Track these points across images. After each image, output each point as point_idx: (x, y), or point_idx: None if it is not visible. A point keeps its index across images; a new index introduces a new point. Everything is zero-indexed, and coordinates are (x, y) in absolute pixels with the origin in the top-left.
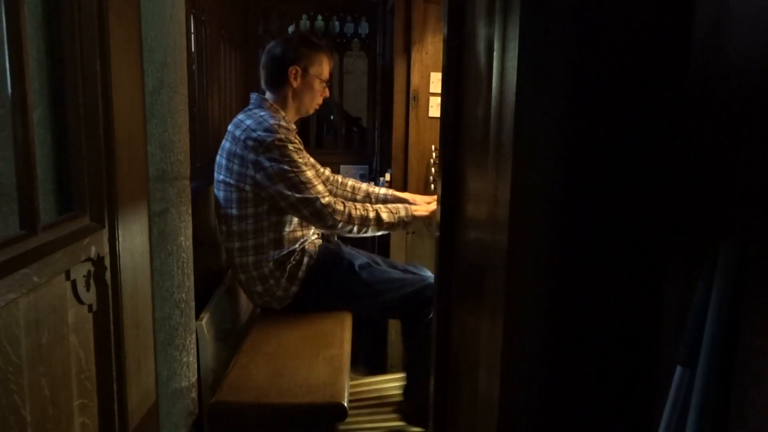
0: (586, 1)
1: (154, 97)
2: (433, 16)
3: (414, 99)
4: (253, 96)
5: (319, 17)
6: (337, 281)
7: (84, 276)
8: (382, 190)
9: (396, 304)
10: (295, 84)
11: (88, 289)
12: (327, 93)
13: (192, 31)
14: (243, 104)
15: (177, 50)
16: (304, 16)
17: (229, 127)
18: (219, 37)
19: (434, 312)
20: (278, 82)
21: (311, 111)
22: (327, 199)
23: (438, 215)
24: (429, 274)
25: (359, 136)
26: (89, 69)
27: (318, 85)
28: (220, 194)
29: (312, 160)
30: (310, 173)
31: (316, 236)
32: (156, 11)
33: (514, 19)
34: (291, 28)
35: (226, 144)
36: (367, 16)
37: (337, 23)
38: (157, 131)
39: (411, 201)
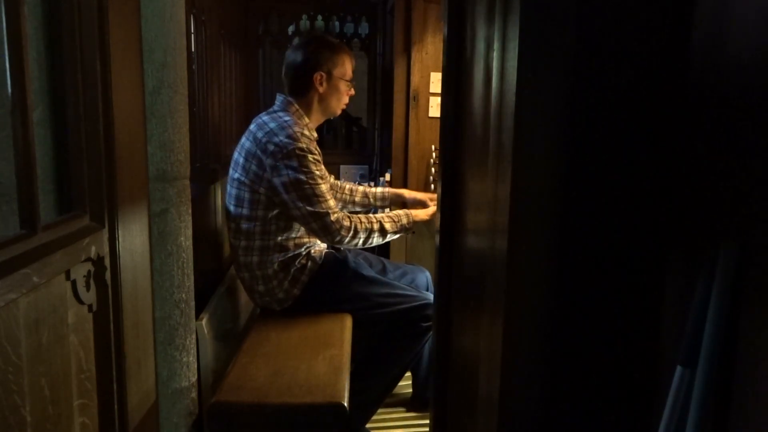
0: (586, 1)
1: (154, 97)
2: (433, 16)
3: (414, 99)
4: (279, 98)
5: (319, 17)
6: (338, 289)
7: (84, 276)
8: (379, 189)
9: (394, 319)
10: (321, 89)
11: (88, 289)
12: (353, 92)
13: (192, 31)
14: (243, 104)
15: (177, 50)
16: (304, 16)
17: (251, 127)
18: (219, 37)
19: (434, 312)
20: (303, 89)
21: (338, 112)
22: (336, 215)
23: (438, 217)
24: (429, 294)
25: (359, 136)
26: (89, 69)
27: (344, 86)
28: (233, 191)
29: (324, 169)
30: (324, 186)
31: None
32: (156, 11)
33: (514, 19)
34: (291, 28)
35: (246, 143)
36: (367, 16)
37: (337, 23)
38: (157, 131)
39: (408, 196)
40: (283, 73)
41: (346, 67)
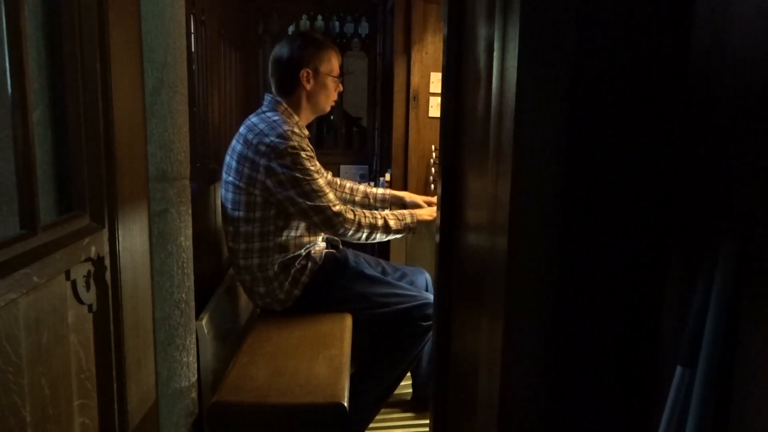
0: (586, 1)
1: (154, 97)
2: (433, 16)
3: (414, 99)
4: (267, 98)
5: (319, 17)
6: (339, 289)
7: (84, 276)
8: (380, 190)
9: (394, 318)
10: (308, 86)
11: (88, 289)
12: (341, 88)
13: (192, 31)
14: (243, 104)
15: (177, 50)
16: (304, 16)
17: (241, 129)
18: (219, 37)
19: (434, 312)
20: (291, 87)
21: (328, 109)
22: (338, 207)
23: (438, 216)
24: (429, 294)
25: (359, 136)
26: (89, 69)
27: (331, 83)
28: (228, 195)
29: (318, 164)
30: (321, 181)
31: (321, 240)
32: (156, 11)
33: (514, 19)
34: (291, 28)
35: (237, 146)
36: (367, 16)
37: (337, 23)
38: (157, 131)
39: (408, 199)
40: (270, 72)
41: (332, 63)
